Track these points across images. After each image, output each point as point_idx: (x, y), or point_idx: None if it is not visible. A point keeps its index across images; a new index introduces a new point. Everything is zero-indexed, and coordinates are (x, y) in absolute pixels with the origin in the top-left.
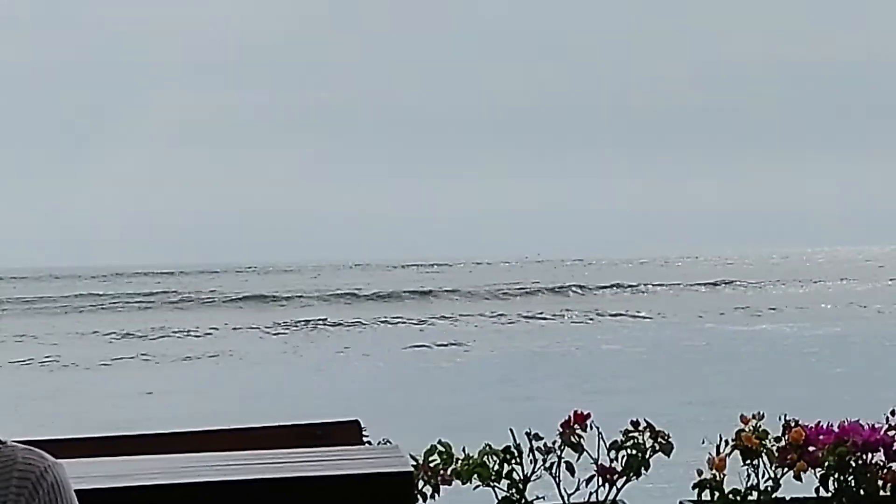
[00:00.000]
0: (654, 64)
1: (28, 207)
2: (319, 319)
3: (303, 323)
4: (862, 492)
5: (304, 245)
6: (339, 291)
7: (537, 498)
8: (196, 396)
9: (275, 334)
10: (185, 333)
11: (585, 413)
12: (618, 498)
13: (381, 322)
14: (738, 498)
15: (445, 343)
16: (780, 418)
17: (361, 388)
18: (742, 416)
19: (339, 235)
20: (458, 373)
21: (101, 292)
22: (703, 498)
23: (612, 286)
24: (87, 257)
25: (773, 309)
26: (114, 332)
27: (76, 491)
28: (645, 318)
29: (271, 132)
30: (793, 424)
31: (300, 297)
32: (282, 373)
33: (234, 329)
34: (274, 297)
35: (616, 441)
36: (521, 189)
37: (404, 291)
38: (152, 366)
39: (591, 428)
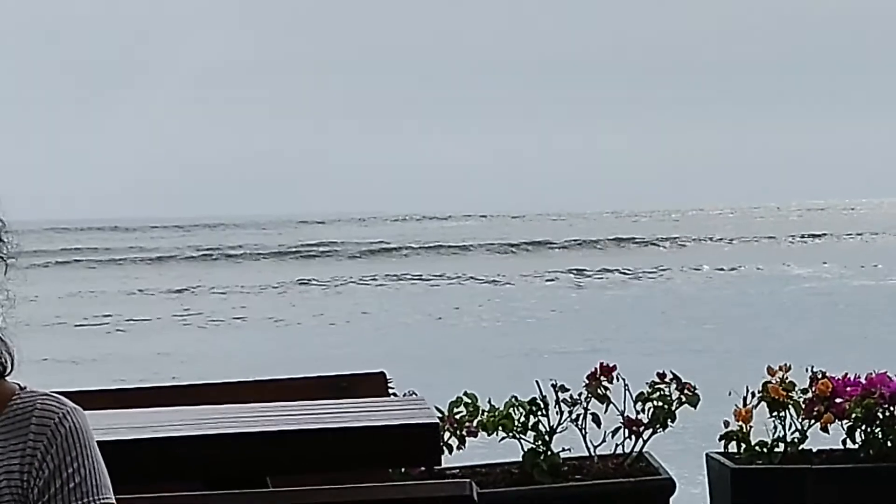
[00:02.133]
0: (711, 14)
1: (57, 158)
2: (407, 274)
3: (409, 276)
4: (889, 443)
5: (324, 196)
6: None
7: (563, 450)
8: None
9: (433, 287)
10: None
11: (612, 365)
12: (644, 450)
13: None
14: (765, 450)
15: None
16: (807, 370)
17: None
18: (769, 368)
19: (366, 187)
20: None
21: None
22: (730, 450)
23: (675, 238)
24: (119, 209)
25: None
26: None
27: (100, 442)
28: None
29: (300, 81)
30: (819, 376)
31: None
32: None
33: (358, 282)
34: (373, 247)
35: (642, 393)
36: (552, 142)
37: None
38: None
39: (618, 380)
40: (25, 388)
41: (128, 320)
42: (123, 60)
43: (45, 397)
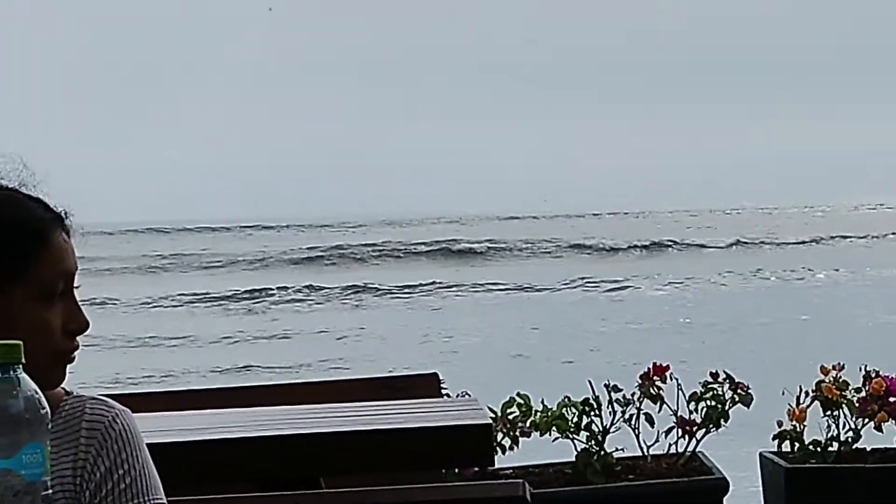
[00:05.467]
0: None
1: (109, 160)
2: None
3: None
4: None
5: (375, 196)
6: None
7: (616, 449)
8: None
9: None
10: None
11: (665, 365)
12: (697, 449)
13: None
14: (819, 449)
15: None
16: (860, 369)
17: None
18: (822, 367)
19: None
20: None
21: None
22: (783, 449)
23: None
24: (181, 211)
25: None
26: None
27: (152, 445)
28: None
29: (355, 78)
30: (873, 375)
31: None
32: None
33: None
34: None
35: (695, 393)
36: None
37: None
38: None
39: (671, 379)
40: (72, 392)
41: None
42: (168, 60)
43: (93, 401)
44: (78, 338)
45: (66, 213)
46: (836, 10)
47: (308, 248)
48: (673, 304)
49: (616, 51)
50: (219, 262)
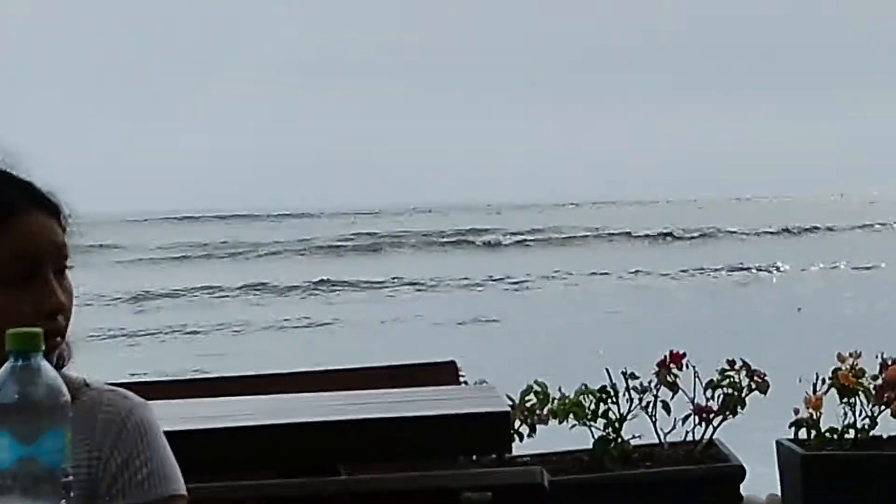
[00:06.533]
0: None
1: (137, 150)
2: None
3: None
4: None
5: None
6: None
7: (633, 437)
8: None
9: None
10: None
11: (681, 352)
12: (714, 437)
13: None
14: (835, 436)
15: None
16: (876, 356)
17: None
18: (839, 355)
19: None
20: None
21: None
22: (800, 436)
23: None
24: (208, 200)
25: None
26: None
27: (171, 432)
28: None
29: (377, 71)
30: (890, 363)
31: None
32: None
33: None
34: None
35: (712, 380)
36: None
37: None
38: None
39: (687, 367)
40: (90, 384)
41: None
42: (187, 55)
43: (111, 393)
44: (59, 320)
45: (49, 194)
46: None
47: (350, 236)
48: None
49: (616, 48)
50: (263, 250)
